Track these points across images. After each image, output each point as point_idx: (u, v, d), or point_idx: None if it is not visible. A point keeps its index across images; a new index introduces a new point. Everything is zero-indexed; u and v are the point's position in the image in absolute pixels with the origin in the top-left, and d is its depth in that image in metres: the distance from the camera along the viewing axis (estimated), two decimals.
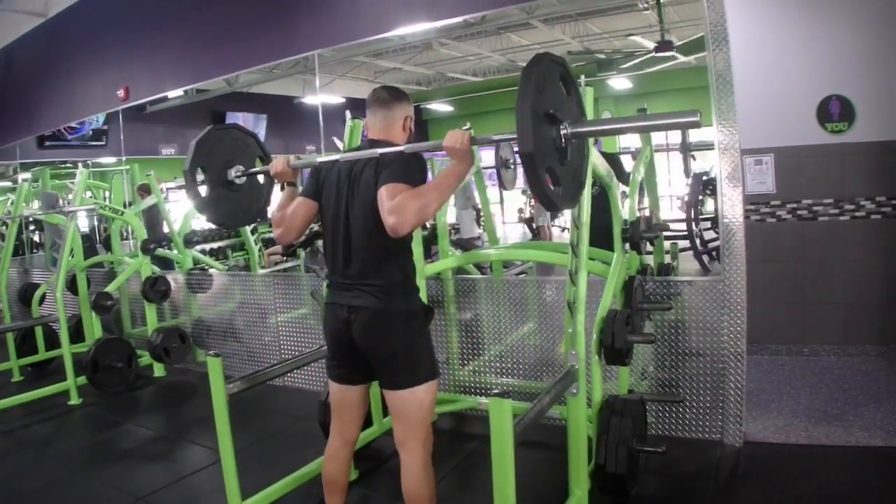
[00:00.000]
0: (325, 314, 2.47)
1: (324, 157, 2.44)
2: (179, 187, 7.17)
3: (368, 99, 2.45)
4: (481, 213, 5.10)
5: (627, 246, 3.43)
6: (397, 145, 2.29)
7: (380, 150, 2.23)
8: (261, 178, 2.97)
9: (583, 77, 2.82)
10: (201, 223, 6.86)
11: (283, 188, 2.58)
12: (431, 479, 2.35)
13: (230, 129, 2.90)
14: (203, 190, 2.73)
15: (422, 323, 2.40)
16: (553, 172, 1.96)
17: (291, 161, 2.53)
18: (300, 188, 2.53)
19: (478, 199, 6.34)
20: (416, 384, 2.32)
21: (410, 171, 2.18)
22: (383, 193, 2.12)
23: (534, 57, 1.96)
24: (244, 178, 2.81)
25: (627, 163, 5.19)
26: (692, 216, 6.42)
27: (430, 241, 4.85)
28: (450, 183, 2.16)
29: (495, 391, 1.94)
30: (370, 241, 2.28)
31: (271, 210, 2.64)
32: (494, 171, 4.82)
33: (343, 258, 2.36)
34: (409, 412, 2.34)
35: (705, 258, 6.37)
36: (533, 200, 10.69)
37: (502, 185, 4.94)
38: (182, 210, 7.28)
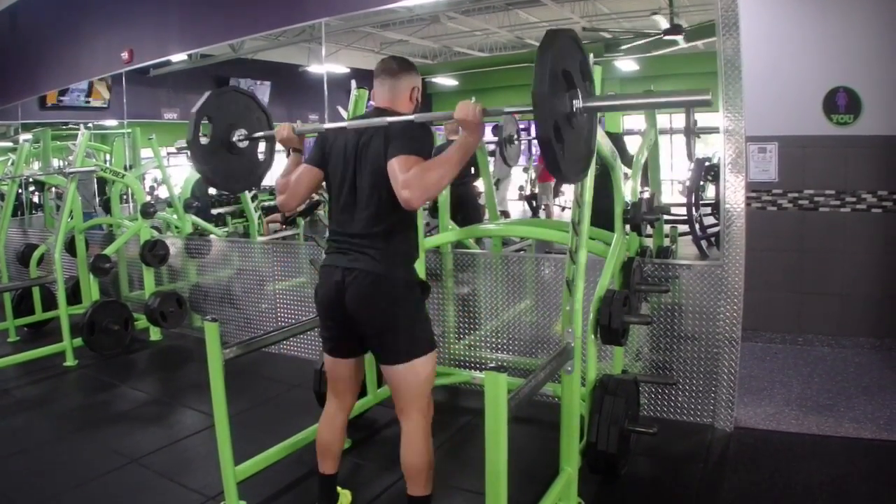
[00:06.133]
0: (319, 280, 2.44)
1: (330, 125, 2.43)
2: (179, 150, 7.16)
3: (376, 69, 2.43)
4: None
5: (628, 227, 3.43)
6: (405, 114, 2.29)
7: (389, 119, 2.20)
8: (262, 148, 2.96)
9: (591, 56, 2.81)
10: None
11: (288, 154, 2.57)
12: (430, 449, 2.37)
13: (242, 95, 2.88)
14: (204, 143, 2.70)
15: (420, 296, 2.40)
16: (559, 132, 1.89)
17: (297, 127, 2.53)
18: (305, 155, 2.53)
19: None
20: (415, 357, 2.31)
21: (421, 142, 2.18)
22: (395, 165, 2.10)
23: (551, 31, 1.90)
24: (246, 143, 2.80)
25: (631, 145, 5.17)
26: (693, 201, 6.41)
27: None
28: (461, 156, 2.11)
29: (491, 365, 1.94)
30: (378, 209, 2.26)
31: (274, 177, 2.62)
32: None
33: (347, 221, 2.34)
34: (409, 386, 2.33)
35: (703, 243, 6.37)
36: (535, 178, 10.68)
37: (505, 162, 4.93)
38: (182, 175, 7.30)
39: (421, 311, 2.40)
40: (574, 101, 1.94)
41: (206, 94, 2.68)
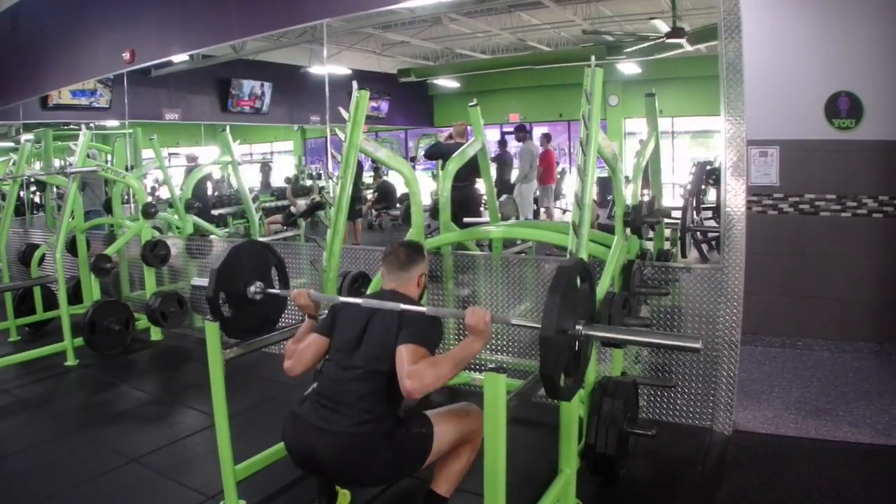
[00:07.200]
0: (288, 428, 2.37)
1: (345, 299, 2.50)
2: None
3: (386, 254, 2.53)
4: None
5: (628, 230, 3.43)
6: (415, 300, 2.45)
7: (402, 306, 2.28)
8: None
9: (593, 58, 2.82)
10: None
11: (303, 319, 2.64)
12: (470, 461, 2.43)
13: (248, 245, 2.98)
14: (225, 310, 2.77)
15: (403, 428, 2.35)
16: (567, 373, 2.14)
17: (311, 294, 2.60)
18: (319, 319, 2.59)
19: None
20: (426, 461, 2.35)
21: (431, 334, 2.27)
22: (404, 353, 2.16)
23: (560, 268, 2.07)
24: (263, 294, 2.86)
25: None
26: (692, 205, 6.42)
27: None
28: (466, 357, 2.21)
29: (490, 366, 1.95)
30: (371, 379, 2.27)
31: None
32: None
33: (337, 381, 2.33)
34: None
35: (704, 247, 6.37)
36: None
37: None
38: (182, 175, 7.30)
39: (412, 439, 2.33)
40: (577, 327, 2.15)
41: (212, 272, 2.72)
